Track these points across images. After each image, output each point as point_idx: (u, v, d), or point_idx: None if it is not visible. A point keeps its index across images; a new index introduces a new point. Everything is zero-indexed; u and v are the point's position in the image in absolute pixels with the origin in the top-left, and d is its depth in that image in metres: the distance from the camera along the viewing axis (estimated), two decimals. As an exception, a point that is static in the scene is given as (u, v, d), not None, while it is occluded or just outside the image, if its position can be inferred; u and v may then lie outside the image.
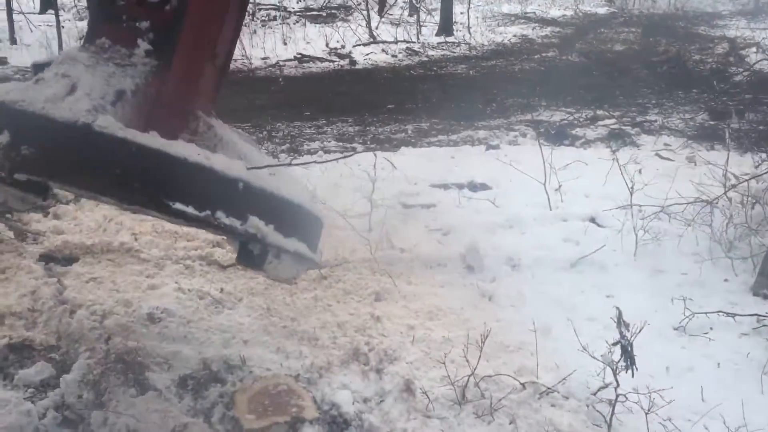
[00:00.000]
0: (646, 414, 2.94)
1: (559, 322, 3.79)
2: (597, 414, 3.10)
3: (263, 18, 17.04)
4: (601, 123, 8.97)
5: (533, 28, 18.63)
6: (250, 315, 3.79)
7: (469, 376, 3.20)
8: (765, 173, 5.00)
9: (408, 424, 3.03)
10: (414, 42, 15.67)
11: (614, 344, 3.01)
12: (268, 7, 18.06)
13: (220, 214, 2.47)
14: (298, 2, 20.20)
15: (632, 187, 5.09)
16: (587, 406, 3.15)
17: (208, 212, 2.45)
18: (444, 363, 3.28)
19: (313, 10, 19.40)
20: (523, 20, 19.96)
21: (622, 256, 4.71)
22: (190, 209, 2.40)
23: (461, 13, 18.66)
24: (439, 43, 15.83)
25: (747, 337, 3.81)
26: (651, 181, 5.36)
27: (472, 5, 19.31)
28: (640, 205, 5.03)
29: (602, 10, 23.03)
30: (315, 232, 3.01)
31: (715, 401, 3.21)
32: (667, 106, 10.15)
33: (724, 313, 3.93)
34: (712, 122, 9.07)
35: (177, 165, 2.39)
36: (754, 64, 12.11)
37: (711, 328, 3.89)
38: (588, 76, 12.15)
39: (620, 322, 2.96)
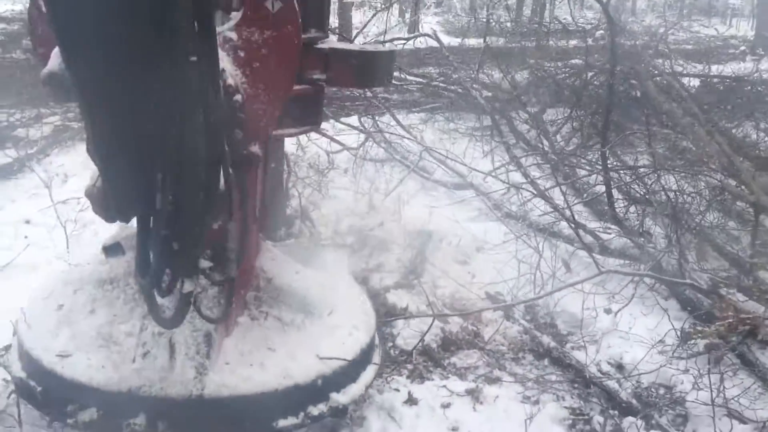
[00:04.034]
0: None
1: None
2: None
3: None
4: (46, 121, 8.67)
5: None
6: None
7: None
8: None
9: None
10: None
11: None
12: None
13: (311, 409, 2.79)
14: None
15: (50, 182, 5.06)
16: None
17: (303, 415, 2.76)
18: None
19: None
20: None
21: (54, 251, 4.66)
22: (289, 421, 2.73)
23: None
24: None
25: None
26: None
27: None
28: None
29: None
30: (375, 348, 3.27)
31: None
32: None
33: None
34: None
35: (274, 395, 2.70)
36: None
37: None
38: (33, 74, 11.49)
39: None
